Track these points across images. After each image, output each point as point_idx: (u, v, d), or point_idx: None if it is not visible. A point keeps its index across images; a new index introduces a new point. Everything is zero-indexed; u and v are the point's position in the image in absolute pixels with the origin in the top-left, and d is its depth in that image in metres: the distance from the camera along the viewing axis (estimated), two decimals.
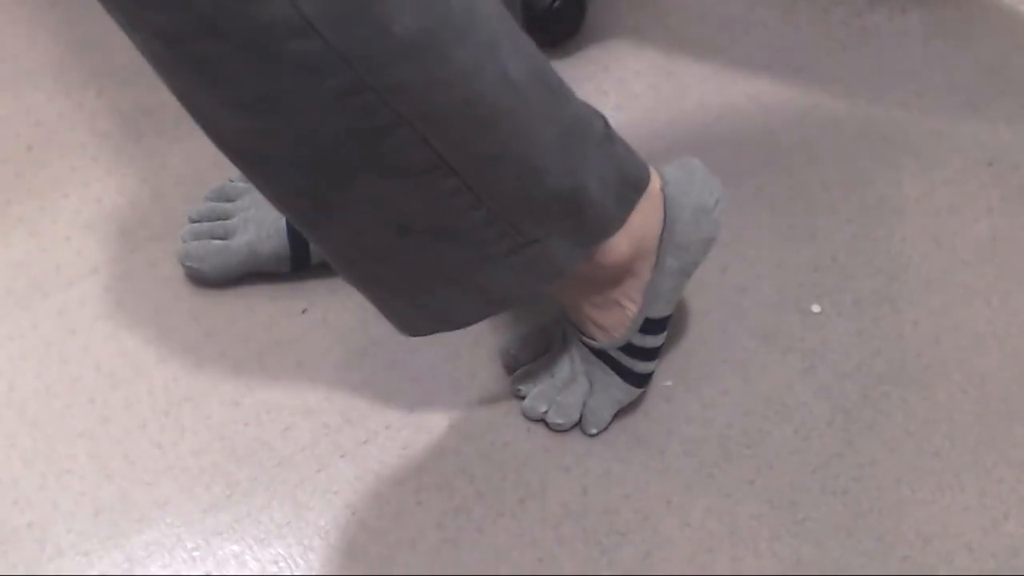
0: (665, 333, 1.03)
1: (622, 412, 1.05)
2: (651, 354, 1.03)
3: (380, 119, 0.75)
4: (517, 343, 1.07)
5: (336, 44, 0.70)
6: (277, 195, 0.84)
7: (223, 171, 1.17)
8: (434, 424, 1.05)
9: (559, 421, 1.04)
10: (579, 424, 1.05)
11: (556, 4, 1.29)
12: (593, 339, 1.02)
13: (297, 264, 1.12)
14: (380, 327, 1.10)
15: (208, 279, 1.12)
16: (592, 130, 0.88)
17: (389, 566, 0.98)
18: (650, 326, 1.01)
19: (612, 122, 0.90)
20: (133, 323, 1.10)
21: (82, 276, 1.13)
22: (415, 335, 0.96)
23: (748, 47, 1.33)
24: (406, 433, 1.05)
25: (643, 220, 0.95)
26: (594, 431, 1.04)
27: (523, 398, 1.05)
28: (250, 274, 1.12)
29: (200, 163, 1.21)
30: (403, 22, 0.71)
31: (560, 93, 0.85)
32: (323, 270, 1.12)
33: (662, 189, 0.96)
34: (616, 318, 1.00)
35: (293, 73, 0.71)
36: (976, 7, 1.39)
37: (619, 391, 1.03)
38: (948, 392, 1.08)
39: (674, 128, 1.26)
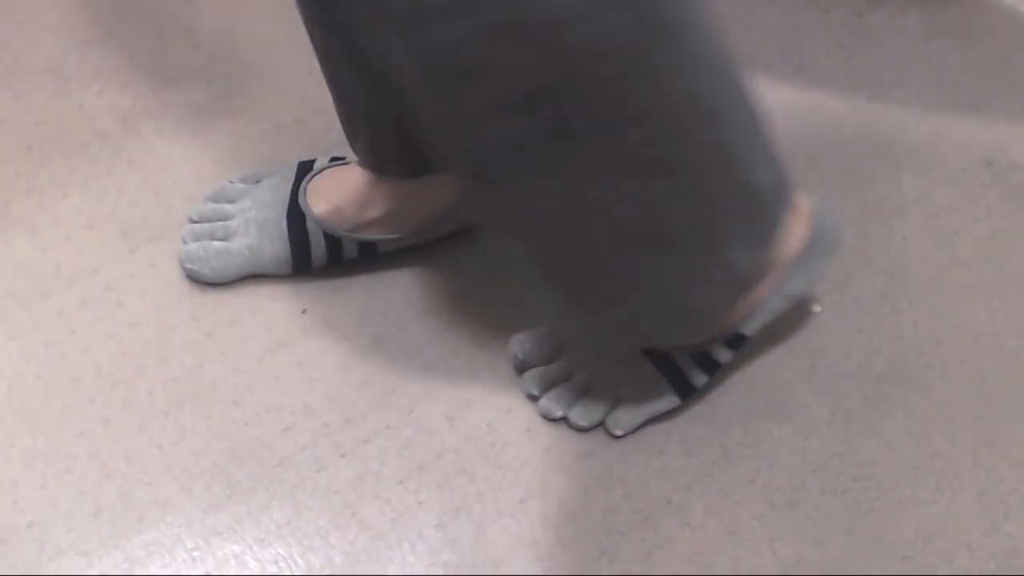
0: (739, 352, 1.03)
1: None
2: (715, 368, 1.03)
3: (631, 108, 0.77)
4: (527, 347, 1.07)
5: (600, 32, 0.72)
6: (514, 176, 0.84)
7: (223, 171, 1.17)
8: (434, 424, 1.05)
9: (583, 424, 1.03)
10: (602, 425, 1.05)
11: None
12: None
13: (298, 267, 1.11)
14: (380, 327, 1.10)
15: (208, 281, 1.12)
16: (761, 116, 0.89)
17: (389, 566, 0.98)
18: (736, 341, 1.01)
19: None
20: (133, 323, 1.10)
21: (82, 276, 1.13)
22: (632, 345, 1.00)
23: (748, 47, 1.33)
24: (406, 433, 1.05)
25: (790, 231, 0.97)
26: (619, 433, 1.04)
27: (535, 399, 1.05)
28: (250, 276, 1.12)
29: (200, 163, 1.21)
30: (661, 5, 0.73)
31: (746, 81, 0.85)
32: (324, 271, 1.12)
33: (810, 210, 0.98)
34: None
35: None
36: (976, 7, 1.39)
37: (661, 401, 1.03)
38: (948, 392, 1.08)
39: None
